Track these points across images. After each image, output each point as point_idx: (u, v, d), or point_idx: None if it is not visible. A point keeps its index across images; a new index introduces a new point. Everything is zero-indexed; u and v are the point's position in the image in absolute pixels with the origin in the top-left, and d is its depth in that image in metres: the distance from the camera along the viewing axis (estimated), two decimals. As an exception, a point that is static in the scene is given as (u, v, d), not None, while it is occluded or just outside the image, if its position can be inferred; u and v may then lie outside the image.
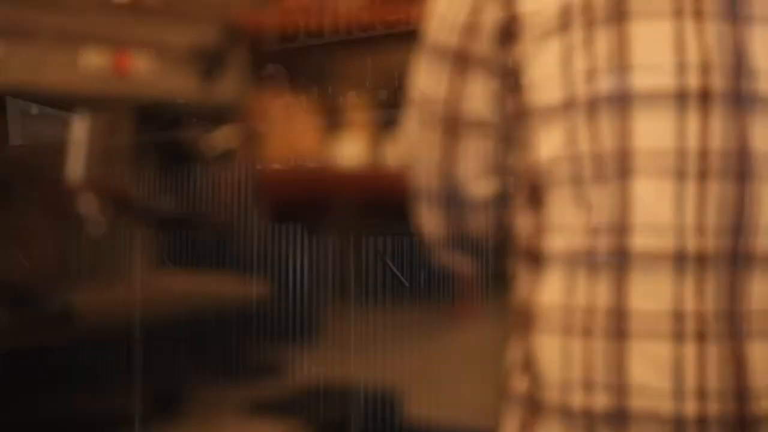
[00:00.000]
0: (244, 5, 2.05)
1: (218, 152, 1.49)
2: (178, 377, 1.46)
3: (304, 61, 2.61)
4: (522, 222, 1.02)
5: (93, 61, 1.29)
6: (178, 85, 1.40)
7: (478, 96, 1.02)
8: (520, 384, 0.98)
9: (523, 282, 1.00)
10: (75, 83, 1.28)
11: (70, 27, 1.27)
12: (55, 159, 1.36)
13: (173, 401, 1.46)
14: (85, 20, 1.29)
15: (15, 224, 1.39)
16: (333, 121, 2.50)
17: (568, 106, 0.95)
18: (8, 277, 1.37)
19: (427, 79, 1.05)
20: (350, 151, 2.36)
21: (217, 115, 1.49)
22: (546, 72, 0.96)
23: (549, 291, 0.97)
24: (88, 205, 1.36)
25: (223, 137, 1.49)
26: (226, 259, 1.83)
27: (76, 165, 1.35)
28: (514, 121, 1.01)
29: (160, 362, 1.37)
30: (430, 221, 1.08)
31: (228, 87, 1.47)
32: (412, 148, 1.08)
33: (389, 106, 2.74)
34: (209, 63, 1.42)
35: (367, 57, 2.73)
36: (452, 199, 1.06)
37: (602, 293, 0.93)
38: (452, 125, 1.04)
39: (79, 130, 1.34)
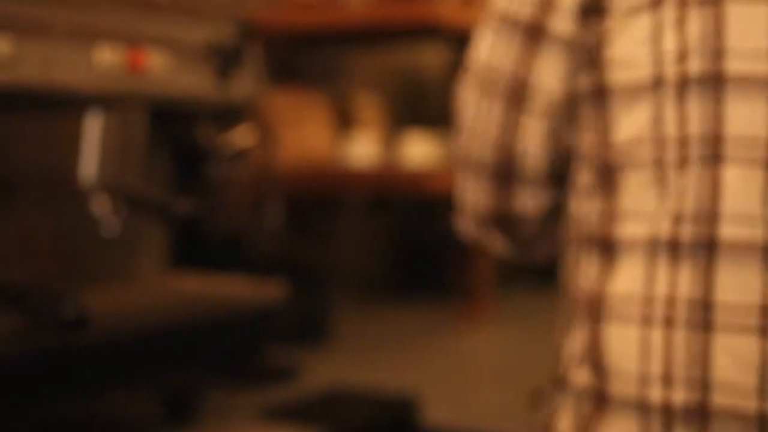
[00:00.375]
0: (259, 2, 2.02)
1: (234, 151, 1.46)
2: (191, 381, 1.43)
3: (315, 59, 2.58)
4: (588, 207, 0.98)
5: (107, 57, 1.26)
6: (193, 82, 1.37)
7: (549, 71, 0.99)
8: (579, 377, 0.95)
9: (587, 270, 0.97)
10: (88, 80, 1.25)
11: (83, 23, 1.25)
12: (68, 158, 1.33)
13: (186, 405, 1.44)
14: (99, 16, 1.26)
15: (26, 226, 1.36)
16: (344, 120, 2.48)
17: (655, 85, 0.92)
18: (19, 280, 1.34)
19: (492, 49, 1.02)
20: (362, 150, 2.34)
21: (232, 114, 1.47)
22: (632, 50, 0.94)
23: (624, 280, 0.93)
24: (102, 206, 1.33)
25: (238, 136, 1.47)
26: (240, 261, 1.80)
27: (89, 164, 1.32)
28: (587, 100, 0.98)
29: (173, 366, 1.35)
30: (476, 193, 1.06)
31: (244, 85, 1.44)
32: (465, 116, 1.05)
33: (401, 104, 2.72)
34: (225, 60, 1.39)
35: (379, 55, 2.71)
36: (505, 173, 1.03)
37: (685, 283, 0.90)
38: (516, 97, 1.01)
39: (92, 128, 1.32)
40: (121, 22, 1.29)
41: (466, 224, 1.11)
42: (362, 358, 1.88)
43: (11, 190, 1.35)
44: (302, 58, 2.55)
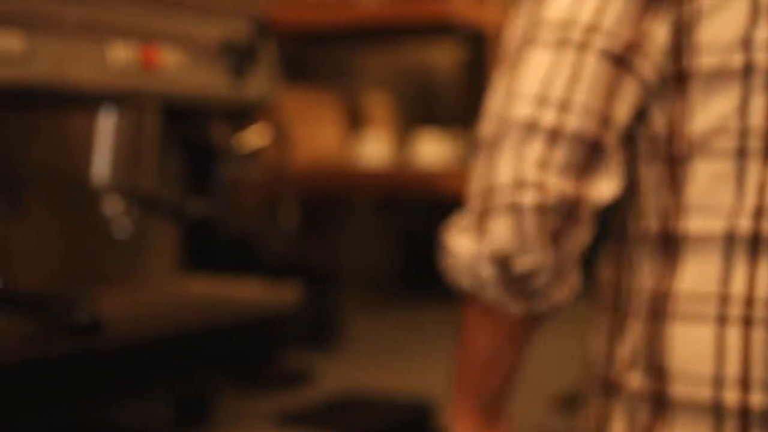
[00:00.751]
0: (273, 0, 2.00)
1: (247, 151, 1.43)
2: (204, 386, 1.41)
3: (326, 57, 2.56)
4: (647, 202, 0.93)
5: (120, 54, 1.23)
6: (207, 80, 1.34)
7: (658, 41, 0.92)
8: (633, 380, 0.91)
9: (644, 268, 0.92)
10: (101, 78, 1.22)
11: (96, 19, 1.22)
12: (80, 157, 1.31)
13: (199, 410, 1.42)
14: (112, 12, 1.24)
15: (38, 227, 1.34)
16: (355, 119, 2.45)
17: (744, 73, 0.88)
18: (31, 284, 1.32)
19: (596, 8, 0.90)
20: (373, 149, 2.31)
21: (246, 113, 1.44)
22: (723, 36, 0.89)
23: (693, 277, 0.89)
24: (114, 206, 1.31)
25: (252, 135, 1.44)
26: (251, 262, 1.78)
27: (101, 164, 1.29)
28: (665, 86, 0.92)
29: (186, 370, 1.32)
30: (543, 169, 0.88)
31: (258, 84, 1.41)
32: (539, 79, 0.91)
33: (412, 103, 2.69)
34: (239, 58, 1.36)
35: (390, 53, 2.68)
36: (597, 144, 0.90)
37: (765, 281, 0.86)
38: (623, 59, 0.90)
39: (105, 126, 1.29)
40: (134, 19, 1.26)
41: (492, 239, 0.89)
42: (375, 361, 1.85)
43: (23, 190, 1.32)
44: (312, 56, 2.52)
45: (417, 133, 2.37)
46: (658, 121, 0.91)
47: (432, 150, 2.30)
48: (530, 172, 0.88)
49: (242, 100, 1.41)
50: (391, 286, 2.62)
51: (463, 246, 0.92)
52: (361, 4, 2.30)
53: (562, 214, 0.89)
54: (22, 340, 1.12)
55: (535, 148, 0.89)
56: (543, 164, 0.89)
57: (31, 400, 1.10)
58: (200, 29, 1.34)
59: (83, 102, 1.28)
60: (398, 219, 2.71)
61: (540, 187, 0.88)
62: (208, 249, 1.70)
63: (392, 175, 2.27)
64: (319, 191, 2.27)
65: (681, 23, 0.89)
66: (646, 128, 0.92)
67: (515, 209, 0.88)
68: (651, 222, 0.92)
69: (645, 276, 0.91)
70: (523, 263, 0.89)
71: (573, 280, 0.93)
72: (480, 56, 2.33)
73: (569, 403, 1.54)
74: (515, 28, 0.94)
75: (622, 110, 0.90)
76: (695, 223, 0.89)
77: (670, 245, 0.90)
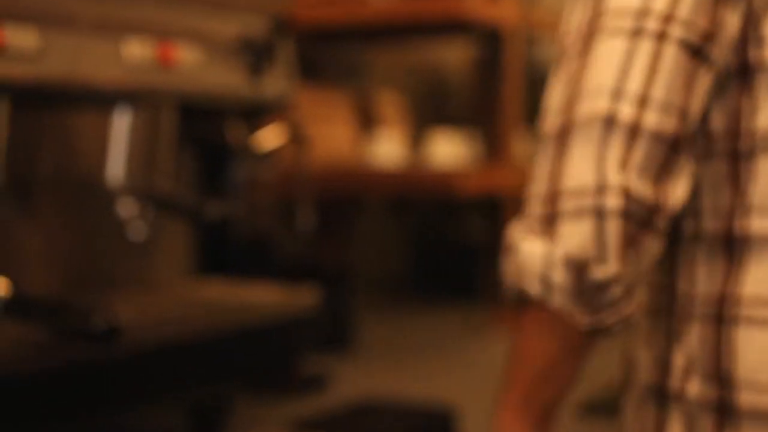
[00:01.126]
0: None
1: (263, 150, 1.40)
2: (220, 391, 1.38)
3: (337, 55, 2.53)
4: (704, 200, 0.89)
5: (136, 52, 1.20)
6: (224, 78, 1.31)
7: (729, 31, 0.88)
8: (691, 386, 0.87)
9: (705, 270, 0.88)
10: (116, 75, 1.19)
11: (111, 16, 1.19)
12: (94, 158, 1.28)
13: (215, 416, 1.39)
14: (128, 9, 1.21)
15: (51, 230, 1.31)
16: (366, 119, 2.42)
17: None
18: (45, 289, 1.29)
19: None
20: (386, 150, 2.27)
21: (263, 112, 1.41)
22: None
23: (759, 280, 0.85)
24: (129, 209, 1.28)
25: (268, 135, 1.41)
26: (266, 264, 1.75)
27: (116, 164, 1.26)
28: (729, 79, 0.88)
29: (201, 376, 1.29)
30: (624, 170, 0.84)
31: (275, 82, 1.38)
32: (610, 67, 0.85)
33: (424, 103, 2.66)
34: (257, 56, 1.33)
35: (401, 52, 2.65)
36: (676, 142, 0.85)
37: None
38: (699, 50, 0.85)
39: (120, 126, 1.26)
40: (151, 15, 1.23)
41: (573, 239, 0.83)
42: (391, 366, 1.82)
43: (35, 192, 1.29)
44: (323, 54, 2.49)
45: (430, 133, 2.33)
46: (716, 116, 0.88)
47: (445, 150, 2.26)
48: (612, 174, 0.83)
49: (259, 98, 1.38)
50: (402, 287, 2.59)
51: (537, 248, 0.85)
52: (373, 1, 2.27)
53: (639, 222, 0.84)
54: (37, 347, 1.09)
55: (615, 147, 0.84)
56: (623, 165, 0.84)
57: (47, 407, 1.07)
58: (217, 26, 1.31)
59: (98, 100, 1.26)
60: (411, 219, 2.68)
61: (624, 190, 0.83)
62: (222, 251, 1.67)
63: (405, 175, 2.23)
64: (331, 192, 2.23)
65: (750, 14, 0.86)
66: (711, 125, 0.88)
67: (598, 213, 0.83)
68: (708, 222, 0.88)
69: (702, 279, 0.88)
70: (601, 272, 0.83)
71: (640, 293, 0.88)
72: (494, 55, 2.29)
73: (594, 409, 1.51)
74: (573, 22, 0.89)
75: (697, 104, 0.86)
76: (760, 223, 0.85)
77: (732, 246, 0.86)
